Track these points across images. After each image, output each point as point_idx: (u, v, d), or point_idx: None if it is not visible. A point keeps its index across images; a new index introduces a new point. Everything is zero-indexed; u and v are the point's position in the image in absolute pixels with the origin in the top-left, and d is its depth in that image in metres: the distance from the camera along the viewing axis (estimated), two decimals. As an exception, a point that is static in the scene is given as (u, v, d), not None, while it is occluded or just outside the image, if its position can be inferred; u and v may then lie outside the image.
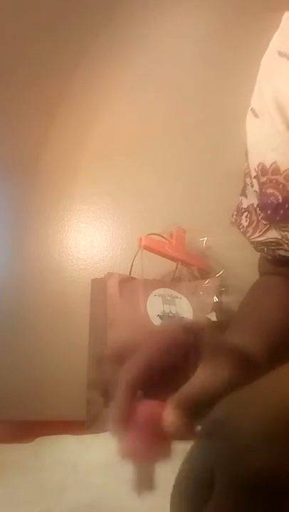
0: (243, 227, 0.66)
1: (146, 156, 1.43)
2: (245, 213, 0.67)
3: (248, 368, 0.48)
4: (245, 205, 0.67)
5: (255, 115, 0.65)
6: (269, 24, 0.65)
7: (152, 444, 0.45)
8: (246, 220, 0.66)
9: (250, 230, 0.65)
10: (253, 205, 0.65)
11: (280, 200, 0.60)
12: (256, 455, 0.34)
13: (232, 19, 1.34)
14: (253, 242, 0.65)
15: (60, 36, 1.43)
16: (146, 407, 0.46)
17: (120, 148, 1.45)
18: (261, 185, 0.61)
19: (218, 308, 1.22)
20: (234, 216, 0.69)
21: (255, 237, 0.65)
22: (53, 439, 0.70)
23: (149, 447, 0.45)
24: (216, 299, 1.22)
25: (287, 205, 0.61)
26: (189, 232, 1.29)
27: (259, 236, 0.64)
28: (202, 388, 0.45)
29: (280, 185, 0.60)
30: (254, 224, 0.65)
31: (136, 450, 0.45)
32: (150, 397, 0.47)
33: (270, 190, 0.61)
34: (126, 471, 0.60)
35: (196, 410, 0.44)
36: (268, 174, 0.61)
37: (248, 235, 0.65)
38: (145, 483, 0.46)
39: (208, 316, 1.19)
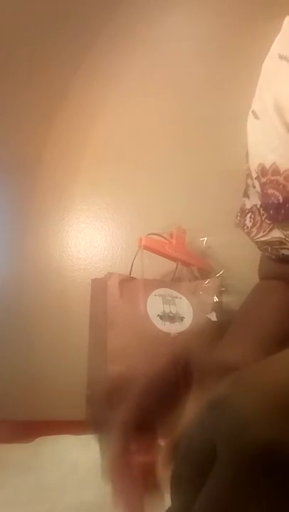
0: (247, 227, 0.67)
1: (146, 157, 1.43)
2: (249, 214, 0.68)
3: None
4: (248, 206, 0.68)
5: (256, 117, 0.65)
6: (270, 29, 0.66)
7: (145, 493, 0.45)
8: (250, 221, 0.67)
9: (255, 230, 0.66)
10: (256, 205, 0.66)
11: (281, 200, 0.61)
12: (259, 427, 0.34)
13: (233, 23, 1.34)
14: (257, 242, 0.66)
15: (60, 37, 1.43)
16: (140, 457, 0.46)
17: (120, 148, 1.45)
18: (262, 185, 0.62)
19: (218, 308, 1.22)
20: (238, 217, 0.70)
21: (259, 237, 0.65)
22: (53, 439, 0.70)
23: (140, 488, 0.45)
24: (216, 298, 1.22)
25: (288, 205, 0.61)
26: (189, 232, 1.29)
27: (263, 236, 0.65)
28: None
29: (281, 186, 0.61)
30: (258, 224, 0.66)
31: (128, 491, 0.45)
32: (145, 434, 0.47)
33: (270, 191, 0.62)
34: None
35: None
36: (268, 175, 0.62)
37: (252, 235, 0.66)
38: None
39: (208, 316, 1.19)
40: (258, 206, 0.66)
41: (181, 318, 1.18)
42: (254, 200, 0.67)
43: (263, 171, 0.62)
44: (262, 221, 0.66)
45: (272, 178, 0.61)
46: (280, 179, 0.61)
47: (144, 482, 0.45)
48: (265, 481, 0.33)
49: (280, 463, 0.33)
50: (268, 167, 0.62)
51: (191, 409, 0.45)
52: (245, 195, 0.70)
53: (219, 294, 1.23)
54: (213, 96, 1.37)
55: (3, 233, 1.43)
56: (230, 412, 0.35)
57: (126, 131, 1.45)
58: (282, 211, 0.62)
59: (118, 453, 0.46)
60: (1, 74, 1.42)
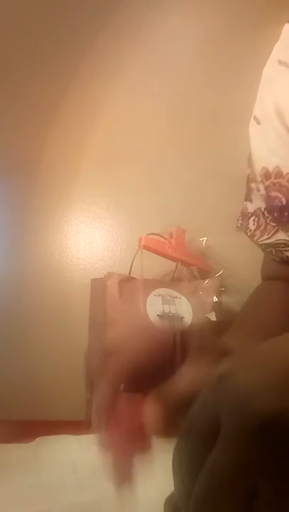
0: (250, 230, 0.68)
1: (146, 157, 1.43)
2: (252, 217, 0.68)
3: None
4: (251, 210, 0.69)
5: (258, 122, 0.66)
6: (269, 33, 0.66)
7: (132, 439, 0.45)
8: (254, 224, 0.68)
9: (258, 233, 0.66)
10: (260, 208, 0.67)
11: (284, 203, 0.62)
12: (262, 400, 0.34)
13: (233, 24, 1.34)
14: (261, 245, 0.67)
15: (59, 37, 1.43)
16: (127, 402, 0.46)
17: (120, 148, 1.45)
18: (266, 188, 0.63)
19: (218, 308, 1.22)
20: (240, 221, 0.70)
21: (263, 240, 0.66)
22: (53, 439, 0.70)
23: (128, 442, 0.45)
24: (215, 298, 1.22)
25: None
26: (189, 232, 1.29)
27: (268, 238, 0.66)
28: (185, 385, 0.45)
29: (284, 188, 0.62)
30: (262, 227, 0.66)
31: (115, 445, 0.45)
32: (133, 394, 0.47)
33: (274, 194, 0.62)
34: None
35: (178, 407, 0.44)
36: (271, 178, 0.63)
37: (256, 238, 0.67)
38: (124, 475, 0.46)
39: (208, 316, 1.19)
40: (263, 209, 0.67)
41: (181, 318, 1.18)
42: (258, 204, 0.67)
43: (266, 174, 0.63)
44: (266, 224, 0.66)
45: (276, 180, 0.62)
46: (284, 182, 0.61)
47: (130, 426, 0.45)
48: (268, 452, 0.34)
49: (283, 435, 0.33)
50: (271, 170, 0.62)
51: (184, 372, 0.46)
52: (248, 199, 0.71)
53: (219, 294, 1.23)
54: (213, 96, 1.37)
55: (2, 233, 1.43)
56: (234, 386, 0.36)
57: (126, 131, 1.45)
58: (286, 213, 0.62)
59: (105, 396, 0.46)
60: (0, 74, 1.42)
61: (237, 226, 0.72)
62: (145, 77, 1.44)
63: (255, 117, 0.67)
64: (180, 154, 1.41)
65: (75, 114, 1.46)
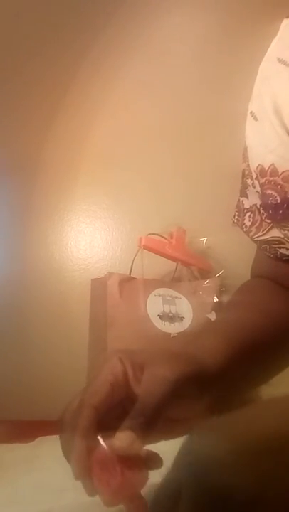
0: (246, 226, 0.68)
1: (146, 157, 1.43)
2: (248, 213, 0.69)
3: (196, 371, 0.48)
4: (247, 206, 0.69)
5: (255, 118, 0.67)
6: (267, 31, 0.66)
7: (125, 479, 0.46)
8: (249, 220, 0.68)
9: (254, 229, 0.67)
10: (255, 205, 0.67)
11: (279, 201, 0.62)
12: (222, 473, 0.35)
13: (232, 24, 1.34)
14: (256, 241, 0.67)
15: (59, 38, 1.43)
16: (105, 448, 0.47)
17: (120, 149, 1.45)
18: (261, 186, 0.63)
19: (218, 308, 1.22)
20: (236, 217, 0.71)
21: (258, 236, 0.67)
22: (53, 439, 0.70)
23: (121, 483, 0.46)
24: (216, 298, 1.22)
25: (285, 205, 0.62)
26: (189, 232, 1.29)
27: (262, 235, 0.66)
28: (146, 395, 0.45)
29: (279, 187, 0.62)
30: (257, 223, 0.67)
31: (110, 491, 0.46)
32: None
33: (269, 191, 0.63)
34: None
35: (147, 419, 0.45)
36: (266, 176, 0.63)
37: (251, 234, 0.67)
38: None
39: (208, 316, 1.19)
40: (258, 206, 0.67)
41: (181, 318, 1.18)
42: (253, 200, 0.68)
43: (261, 171, 0.63)
44: (261, 220, 0.67)
45: (271, 178, 0.62)
46: (279, 180, 0.62)
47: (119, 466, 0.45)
48: None
49: (237, 503, 0.34)
50: (266, 168, 0.63)
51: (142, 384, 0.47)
52: (244, 194, 0.71)
53: (219, 294, 1.23)
54: (212, 96, 1.37)
55: (3, 233, 1.43)
56: (198, 459, 0.37)
57: (126, 131, 1.45)
58: (280, 211, 0.63)
59: (82, 455, 0.46)
60: (1, 74, 1.42)
61: (233, 222, 0.73)
62: (144, 79, 1.44)
63: (252, 113, 0.67)
64: (180, 154, 1.41)
65: (75, 114, 1.46)
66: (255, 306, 0.68)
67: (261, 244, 0.68)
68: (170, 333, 1.16)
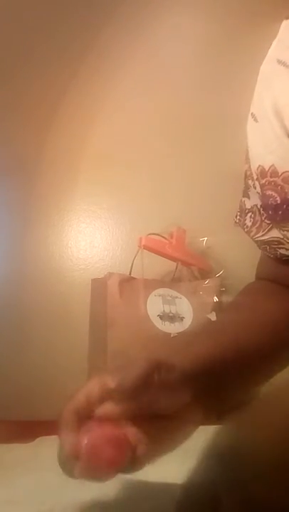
0: (247, 226, 0.69)
1: (146, 157, 1.43)
2: (249, 214, 0.69)
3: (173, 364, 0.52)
4: (248, 206, 0.70)
5: (255, 120, 0.67)
6: (267, 31, 0.67)
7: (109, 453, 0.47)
8: (250, 220, 0.69)
9: (254, 229, 0.68)
10: (256, 205, 0.68)
11: (279, 202, 0.63)
12: (258, 485, 0.35)
13: (232, 24, 1.34)
14: (256, 241, 0.68)
15: (60, 38, 1.43)
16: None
17: (120, 148, 1.45)
18: (261, 186, 0.63)
19: (219, 308, 1.22)
20: (238, 217, 0.71)
21: (258, 237, 0.67)
22: (53, 439, 0.70)
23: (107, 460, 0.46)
24: (216, 299, 1.22)
25: (285, 206, 0.63)
26: (189, 232, 1.29)
27: (262, 235, 0.67)
28: (123, 375, 0.50)
29: (279, 187, 0.63)
30: (258, 224, 0.68)
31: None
32: None
33: (269, 192, 0.63)
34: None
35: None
36: (267, 176, 0.64)
37: (252, 234, 0.68)
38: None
39: (209, 316, 1.19)
40: (259, 206, 0.67)
41: (181, 319, 1.18)
42: (254, 201, 0.68)
43: (262, 172, 0.64)
44: (261, 221, 0.67)
45: (271, 179, 0.63)
46: (279, 181, 0.62)
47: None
48: None
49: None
50: (266, 169, 0.63)
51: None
52: (246, 195, 0.71)
53: (219, 294, 1.23)
54: (213, 97, 1.37)
55: (3, 233, 1.43)
56: (232, 466, 0.37)
57: (126, 131, 1.45)
58: (280, 212, 0.63)
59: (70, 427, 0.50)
60: (1, 74, 1.42)
61: (235, 222, 0.73)
62: (145, 78, 1.44)
63: (252, 114, 0.68)
64: (180, 154, 1.41)
65: (75, 114, 1.46)
66: (252, 310, 0.69)
67: (261, 244, 0.69)
68: (170, 334, 1.16)
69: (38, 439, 0.70)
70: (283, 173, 0.62)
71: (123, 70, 1.44)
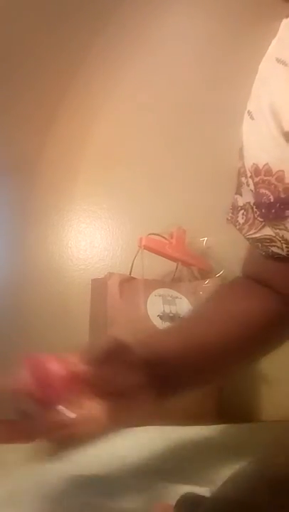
0: (239, 224, 0.70)
1: (146, 157, 1.43)
2: (242, 211, 0.70)
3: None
4: (241, 203, 0.70)
5: (252, 117, 0.67)
6: (268, 30, 0.67)
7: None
8: (242, 218, 0.70)
9: (246, 227, 0.68)
10: (249, 203, 0.68)
11: (272, 200, 0.63)
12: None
13: (232, 24, 1.34)
14: (248, 239, 0.68)
15: (61, 38, 1.43)
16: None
17: (121, 149, 1.45)
18: (255, 184, 0.64)
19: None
20: (230, 214, 0.72)
21: (250, 234, 0.68)
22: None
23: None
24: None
25: (278, 205, 0.63)
26: (189, 232, 1.29)
27: (255, 233, 0.68)
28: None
29: (272, 186, 0.63)
30: (250, 221, 0.68)
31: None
32: None
33: (262, 191, 0.64)
34: (130, 470, 0.60)
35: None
36: (261, 175, 0.64)
37: (244, 231, 0.69)
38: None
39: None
40: (251, 204, 0.68)
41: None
42: (247, 198, 0.69)
43: (256, 170, 0.64)
44: (254, 218, 0.68)
45: (265, 178, 0.64)
46: (272, 180, 0.63)
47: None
48: None
49: None
50: (261, 167, 0.64)
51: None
52: (238, 192, 0.72)
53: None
54: (214, 97, 1.37)
55: (3, 233, 1.43)
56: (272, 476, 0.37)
57: (126, 131, 1.45)
58: (273, 210, 0.64)
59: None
60: (2, 74, 1.42)
61: (227, 219, 0.74)
62: (145, 78, 1.44)
63: (249, 112, 0.68)
64: (181, 155, 1.41)
65: (75, 115, 1.46)
66: (228, 308, 0.71)
67: (254, 242, 0.69)
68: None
69: (38, 439, 0.70)
70: (277, 172, 0.62)
71: (123, 71, 1.44)
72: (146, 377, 0.57)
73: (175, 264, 1.28)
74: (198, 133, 1.40)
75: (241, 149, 0.70)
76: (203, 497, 0.46)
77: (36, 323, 1.38)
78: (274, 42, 0.67)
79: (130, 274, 1.24)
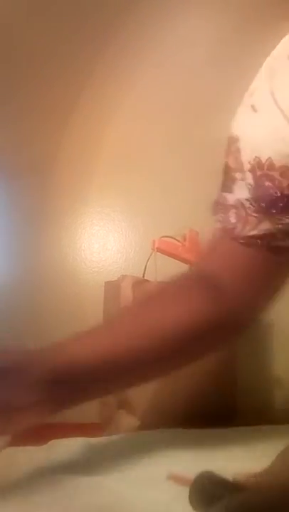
0: (231, 224, 0.66)
1: (159, 160, 1.43)
2: (232, 210, 0.67)
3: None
4: (231, 202, 0.67)
5: (254, 110, 0.66)
6: (281, 33, 0.66)
7: None
8: (234, 216, 0.66)
9: (240, 225, 0.65)
10: (240, 200, 0.65)
11: (279, 195, 0.61)
12: None
13: (245, 27, 1.34)
14: (243, 238, 0.65)
15: (75, 43, 1.43)
16: None
17: (134, 152, 1.45)
18: (258, 178, 0.62)
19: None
20: (221, 214, 0.68)
21: (246, 232, 0.65)
22: (66, 442, 0.70)
23: None
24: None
25: (283, 200, 0.62)
26: (202, 234, 1.29)
27: (251, 230, 0.65)
28: None
29: (276, 181, 0.61)
30: (243, 219, 0.65)
31: None
32: None
33: (268, 184, 0.62)
34: (140, 473, 0.60)
35: None
36: (264, 169, 0.62)
37: (237, 230, 0.65)
38: None
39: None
40: (244, 200, 0.65)
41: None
42: (239, 194, 0.66)
43: (259, 164, 0.63)
44: (247, 215, 0.65)
45: (270, 173, 0.62)
46: (276, 175, 0.61)
47: None
48: None
49: None
50: (263, 161, 0.62)
51: None
52: (227, 190, 0.69)
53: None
54: (223, 100, 1.36)
55: (17, 235, 1.43)
56: None
57: (140, 135, 1.45)
58: (278, 205, 0.62)
59: None
60: (17, 79, 1.43)
61: (218, 221, 0.70)
62: (159, 82, 1.44)
63: (252, 106, 0.67)
64: (193, 158, 1.41)
65: (90, 118, 1.47)
66: (145, 318, 0.67)
67: (251, 239, 0.66)
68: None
69: (50, 442, 0.70)
70: (281, 167, 0.61)
71: (137, 75, 1.44)
72: (42, 394, 0.55)
73: (188, 266, 1.28)
74: (210, 136, 1.39)
75: (235, 143, 0.69)
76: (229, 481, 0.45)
77: (50, 325, 1.38)
78: (284, 40, 0.67)
79: (143, 276, 1.24)
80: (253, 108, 0.66)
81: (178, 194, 1.40)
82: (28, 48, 1.43)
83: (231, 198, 0.67)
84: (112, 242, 1.44)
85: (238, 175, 0.66)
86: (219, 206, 0.70)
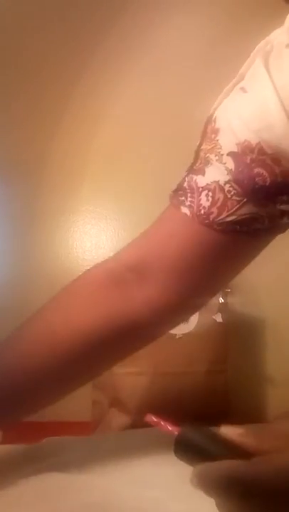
0: (204, 208, 0.61)
1: (151, 158, 1.43)
2: (205, 192, 0.62)
3: None
4: (202, 184, 0.62)
5: (244, 91, 0.63)
6: (272, 30, 0.66)
7: None
8: (208, 200, 0.61)
9: (215, 210, 0.61)
10: (217, 182, 0.61)
11: (269, 181, 0.58)
12: None
13: (237, 24, 1.34)
14: (221, 224, 0.61)
15: (65, 41, 1.43)
16: None
17: (126, 150, 1.45)
18: (250, 161, 0.59)
19: (224, 309, 1.22)
20: (188, 198, 0.64)
21: (223, 218, 0.61)
22: (59, 440, 0.70)
23: None
24: (221, 300, 1.22)
25: (274, 185, 0.59)
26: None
27: (230, 215, 0.60)
28: None
29: (268, 167, 0.58)
30: (220, 202, 0.61)
31: None
32: None
33: (258, 169, 0.59)
34: (132, 472, 0.60)
35: None
36: (254, 153, 0.59)
37: (213, 216, 0.60)
38: None
39: (214, 317, 1.19)
40: (222, 182, 0.61)
41: (187, 320, 1.18)
42: (214, 177, 0.61)
43: (249, 147, 0.59)
44: (226, 198, 0.61)
45: (261, 157, 0.59)
46: (268, 160, 0.58)
47: None
48: None
49: None
50: (253, 145, 0.59)
51: None
52: (198, 172, 0.65)
53: (224, 295, 1.23)
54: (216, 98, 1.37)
55: (9, 234, 1.43)
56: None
57: (131, 133, 1.45)
58: (268, 191, 0.59)
59: None
60: (7, 78, 1.42)
61: (183, 205, 0.65)
62: (151, 82, 1.44)
63: (242, 88, 0.65)
64: (186, 156, 1.41)
65: (81, 116, 1.46)
66: (50, 330, 0.65)
67: (229, 225, 0.62)
68: (175, 334, 1.16)
69: (44, 440, 0.70)
70: (272, 153, 0.58)
71: (128, 73, 1.44)
72: None
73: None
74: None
75: (213, 125, 0.66)
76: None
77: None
78: (281, 31, 0.65)
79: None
80: (243, 89, 0.64)
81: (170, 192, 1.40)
82: (17, 51, 1.43)
83: (203, 180, 0.63)
84: (105, 240, 1.44)
85: (213, 156, 0.63)
86: (187, 190, 0.65)
